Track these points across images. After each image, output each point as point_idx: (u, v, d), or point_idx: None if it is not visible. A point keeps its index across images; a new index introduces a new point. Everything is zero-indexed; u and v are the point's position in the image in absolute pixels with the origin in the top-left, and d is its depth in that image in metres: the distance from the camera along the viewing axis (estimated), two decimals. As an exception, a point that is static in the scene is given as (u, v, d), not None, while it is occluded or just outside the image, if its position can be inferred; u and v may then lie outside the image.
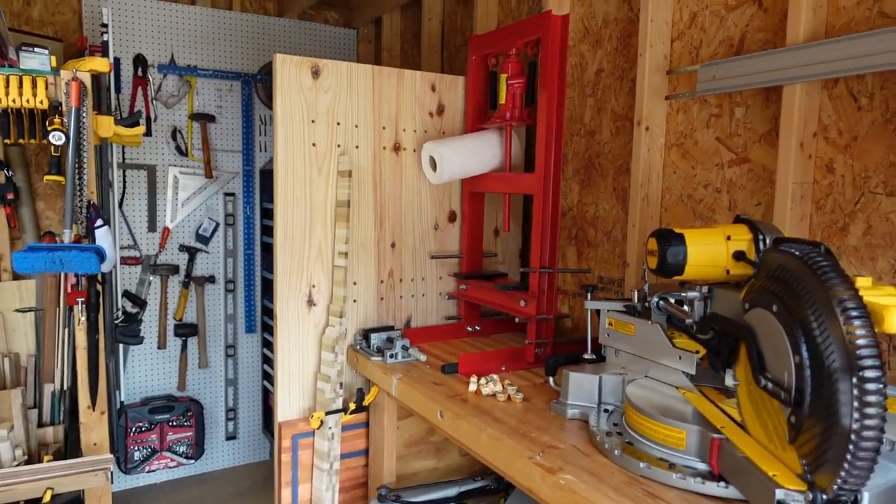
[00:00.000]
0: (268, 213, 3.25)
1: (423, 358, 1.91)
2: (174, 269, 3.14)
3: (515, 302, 1.94)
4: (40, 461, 2.33)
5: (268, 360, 3.33)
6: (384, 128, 2.09)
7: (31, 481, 2.12)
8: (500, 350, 2.01)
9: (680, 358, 1.34)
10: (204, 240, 3.21)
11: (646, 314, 1.46)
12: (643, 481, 1.15)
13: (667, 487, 1.12)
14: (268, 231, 3.26)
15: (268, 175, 3.26)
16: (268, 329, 3.32)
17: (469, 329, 2.22)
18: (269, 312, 3.30)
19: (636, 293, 1.51)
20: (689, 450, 1.15)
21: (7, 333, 2.72)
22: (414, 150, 2.15)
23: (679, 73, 1.82)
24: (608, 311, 1.58)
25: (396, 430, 2.03)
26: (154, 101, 3.01)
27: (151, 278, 3.11)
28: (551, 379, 1.67)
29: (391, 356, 1.91)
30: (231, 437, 3.40)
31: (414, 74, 2.13)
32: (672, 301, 1.39)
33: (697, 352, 1.31)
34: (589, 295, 1.67)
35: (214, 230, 3.23)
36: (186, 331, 3.19)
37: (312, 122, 1.96)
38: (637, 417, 1.26)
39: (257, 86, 3.25)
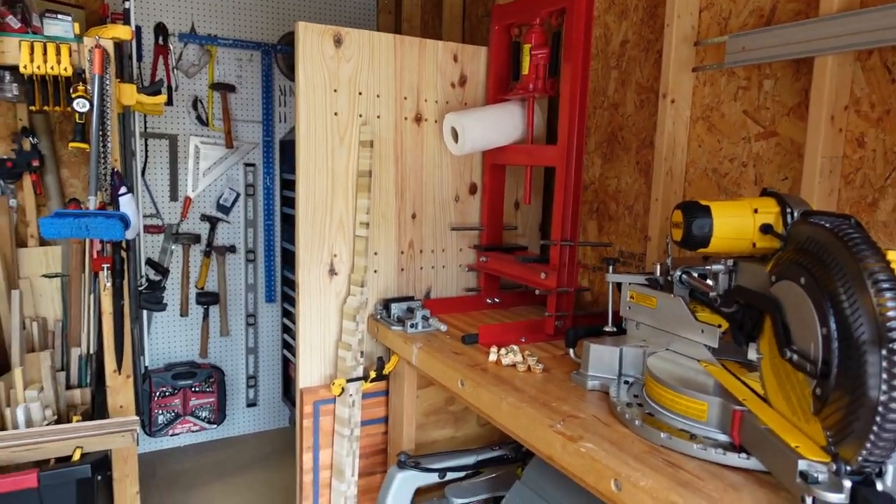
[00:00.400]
0: (287, 184, 3.26)
1: (443, 328, 1.92)
2: (196, 239, 3.18)
3: (536, 274, 1.94)
4: (69, 422, 2.39)
5: (288, 330, 3.38)
6: (406, 98, 2.08)
7: (61, 440, 2.19)
8: (520, 322, 2.02)
9: (702, 331, 1.34)
10: (225, 209, 3.24)
11: (668, 288, 1.46)
12: (663, 451, 1.16)
13: (687, 458, 1.13)
14: (288, 202, 3.28)
15: (287, 146, 3.26)
16: (288, 299, 3.36)
17: (488, 301, 2.23)
18: (288, 283, 3.34)
19: (658, 267, 1.50)
20: (710, 421, 1.16)
21: (35, 298, 2.78)
22: (435, 121, 2.14)
23: (707, 44, 1.79)
24: (630, 284, 1.58)
25: (416, 398, 2.06)
26: (175, 71, 3.02)
27: (173, 247, 3.15)
28: (571, 351, 1.68)
29: (411, 326, 1.93)
30: (251, 404, 3.47)
31: (436, 44, 2.11)
32: (695, 275, 1.38)
33: (720, 325, 1.31)
34: (610, 268, 1.67)
35: (235, 200, 3.25)
36: (208, 299, 3.24)
37: (334, 91, 1.95)
38: (658, 389, 1.27)
39: (277, 56, 3.24)
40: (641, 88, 2.04)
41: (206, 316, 3.26)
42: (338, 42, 1.93)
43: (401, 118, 2.07)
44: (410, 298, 2.09)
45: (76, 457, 2.17)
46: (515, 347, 1.72)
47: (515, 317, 2.15)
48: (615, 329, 1.67)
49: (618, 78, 2.13)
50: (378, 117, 2.03)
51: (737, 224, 1.24)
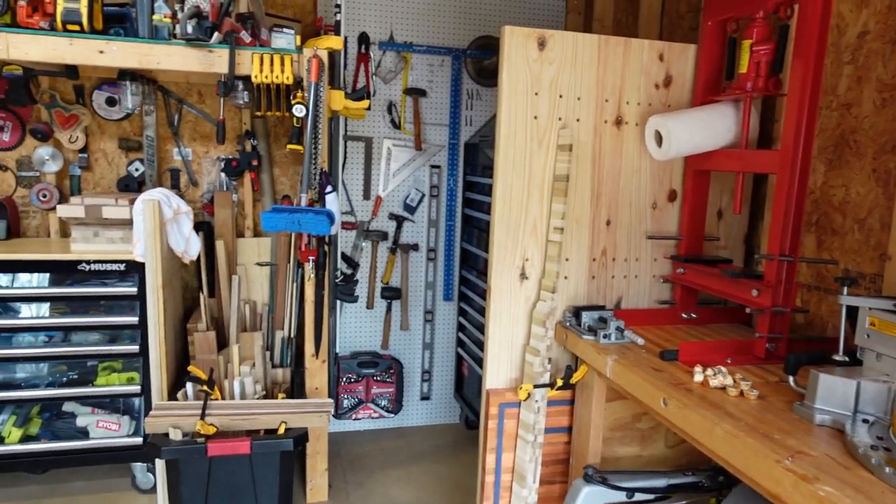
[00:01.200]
0: (470, 186, 3.33)
1: (640, 341, 1.84)
2: (383, 236, 3.36)
3: (746, 291, 1.78)
4: (274, 398, 2.64)
5: (462, 329, 3.45)
6: (607, 100, 2.02)
7: (269, 414, 2.42)
8: (724, 341, 1.87)
9: (978, 372, 1.13)
10: (410, 209, 3.39)
11: (925, 316, 1.26)
12: (927, 507, 1.00)
13: (961, 519, 0.96)
14: (469, 203, 3.35)
15: (471, 148, 3.33)
16: (464, 298, 3.43)
17: (684, 316, 2.09)
18: (465, 282, 3.41)
19: (913, 292, 1.30)
20: None
21: (248, 283, 3.11)
22: (637, 124, 2.05)
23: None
24: (871, 309, 1.39)
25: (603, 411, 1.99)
26: (374, 77, 3.21)
27: (363, 243, 3.36)
28: (791, 379, 1.51)
29: (604, 336, 1.87)
30: (425, 397, 3.60)
31: (642, 43, 2.02)
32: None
33: None
34: (845, 289, 1.48)
35: (420, 200, 3.39)
36: (391, 294, 3.41)
37: (535, 94, 1.95)
38: (919, 434, 1.09)
39: (466, 60, 3.32)
40: (884, 86, 1.78)
41: (388, 310, 3.44)
42: (541, 45, 1.92)
43: (600, 121, 2.02)
44: (601, 308, 2.02)
45: (281, 430, 2.38)
46: (724, 369, 1.59)
47: (715, 335, 1.99)
48: (846, 358, 1.48)
49: (852, 74, 1.89)
50: (578, 120, 1.99)
51: None
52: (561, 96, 1.97)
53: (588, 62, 1.97)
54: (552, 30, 1.93)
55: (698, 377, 1.58)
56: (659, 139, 1.92)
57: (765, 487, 1.21)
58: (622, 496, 1.87)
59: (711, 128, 1.90)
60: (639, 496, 1.88)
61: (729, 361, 1.72)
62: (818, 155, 2.00)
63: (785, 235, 1.70)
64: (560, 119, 1.98)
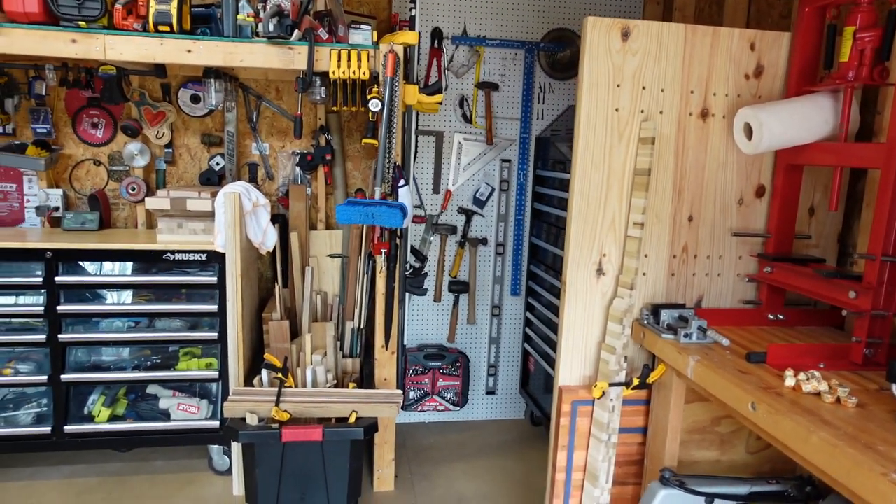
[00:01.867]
0: (540, 181, 3.29)
1: (724, 342, 1.77)
2: (452, 230, 3.37)
3: (843, 292, 1.68)
4: (345, 387, 2.69)
5: (529, 324, 3.42)
6: (692, 92, 1.94)
7: (341, 402, 2.47)
8: (816, 345, 1.78)
9: None
10: (480, 203, 3.38)
11: None
12: None
13: None
14: (539, 198, 3.31)
15: (542, 142, 3.29)
16: (531, 294, 3.39)
17: (770, 317, 2.00)
18: (533, 277, 3.38)
19: None
20: None
21: (319, 274, 3.18)
22: (724, 117, 1.97)
23: None
24: None
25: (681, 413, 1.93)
26: (446, 71, 3.21)
27: (432, 237, 3.37)
28: (894, 386, 1.42)
29: (685, 336, 1.80)
30: (490, 391, 3.59)
31: (731, 32, 1.93)
32: None
33: None
34: (959, 293, 1.37)
35: (490, 195, 3.37)
36: (459, 287, 3.41)
37: (617, 86, 1.90)
38: None
39: (539, 53, 3.28)
40: None
41: (456, 303, 3.44)
42: (625, 35, 1.86)
43: (685, 113, 1.94)
44: (681, 306, 1.95)
45: (352, 419, 2.42)
46: (818, 374, 1.51)
47: (805, 338, 1.89)
48: (960, 368, 1.38)
49: (966, 62, 1.75)
50: (661, 112, 1.93)
51: None
52: (644, 88, 1.91)
53: (673, 52, 1.90)
54: (636, 20, 1.87)
55: (790, 381, 1.50)
56: (749, 132, 1.83)
57: (867, 501, 1.14)
58: (700, 501, 1.80)
59: (807, 120, 1.80)
60: (718, 502, 1.82)
61: (822, 366, 1.63)
62: (924, 149, 1.86)
63: (889, 234, 1.59)
64: (642, 111, 1.92)
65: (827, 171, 2.07)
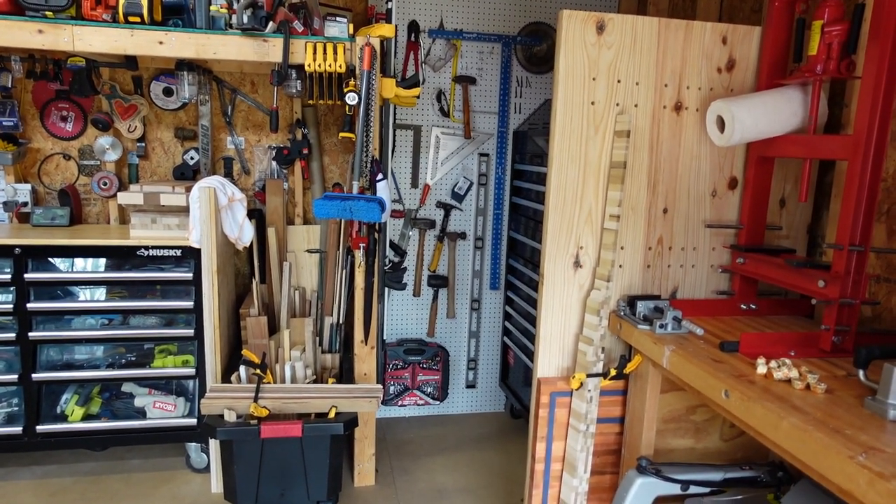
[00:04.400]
0: (518, 175, 3.30)
1: (699, 331, 1.80)
2: (431, 224, 3.37)
3: (812, 282, 1.72)
4: (324, 383, 2.68)
5: (509, 318, 3.44)
6: (666, 85, 1.96)
7: (320, 398, 2.46)
8: (787, 333, 1.82)
9: None
10: (458, 197, 3.38)
11: None
12: None
13: None
14: (517, 192, 3.32)
15: (520, 137, 3.30)
16: (510, 287, 3.41)
17: (743, 307, 2.04)
18: (512, 271, 3.39)
19: None
20: None
21: (298, 270, 3.16)
22: (697, 110, 1.99)
23: None
24: (952, 301, 1.32)
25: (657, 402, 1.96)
26: (423, 65, 3.20)
27: (411, 232, 3.37)
28: (861, 372, 1.46)
29: (661, 326, 1.83)
30: (470, 385, 3.60)
31: (704, 26, 1.96)
32: None
33: None
34: (923, 280, 1.41)
35: (468, 189, 3.38)
36: (438, 282, 3.42)
37: (593, 79, 1.91)
38: None
39: (516, 47, 3.29)
40: (966, 67, 1.69)
41: (435, 297, 3.45)
42: (600, 29, 1.88)
43: (659, 107, 1.97)
44: (656, 297, 1.98)
45: (332, 414, 2.42)
46: (788, 362, 1.54)
47: (777, 327, 1.93)
48: (923, 353, 1.41)
49: (930, 56, 1.79)
50: (635, 106, 1.95)
51: None
52: (619, 81, 1.93)
53: (647, 46, 1.92)
54: (611, 13, 1.88)
55: (761, 369, 1.53)
56: (721, 125, 1.86)
57: (836, 484, 1.16)
58: (676, 489, 1.83)
59: (777, 112, 1.83)
60: (693, 489, 1.85)
61: (792, 354, 1.67)
62: (893, 140, 1.91)
63: (856, 224, 1.63)
64: (618, 105, 1.94)
65: (797, 163, 2.11)
